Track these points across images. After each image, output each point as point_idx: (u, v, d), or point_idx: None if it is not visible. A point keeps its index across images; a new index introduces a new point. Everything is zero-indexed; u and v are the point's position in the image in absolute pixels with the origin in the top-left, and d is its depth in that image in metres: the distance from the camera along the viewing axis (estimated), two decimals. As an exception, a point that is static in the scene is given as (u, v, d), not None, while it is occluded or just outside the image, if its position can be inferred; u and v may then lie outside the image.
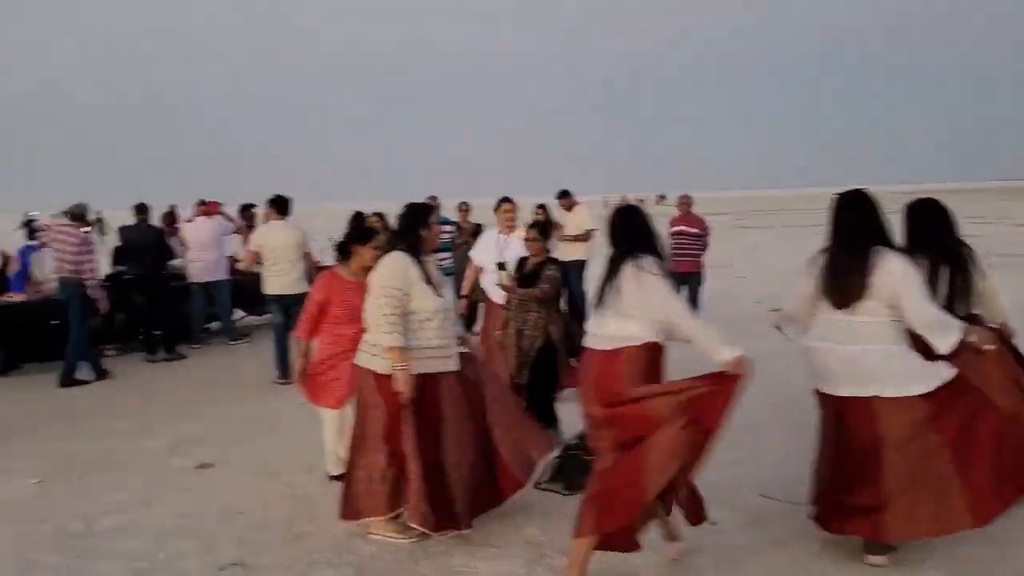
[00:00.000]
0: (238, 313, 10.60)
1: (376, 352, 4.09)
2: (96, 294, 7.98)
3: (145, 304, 9.01)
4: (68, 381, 7.92)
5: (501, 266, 5.63)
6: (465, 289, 7.50)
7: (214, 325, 10.66)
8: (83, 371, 8.05)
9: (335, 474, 4.86)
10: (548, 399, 5.52)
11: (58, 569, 4.01)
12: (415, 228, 4.30)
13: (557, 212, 10.09)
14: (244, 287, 9.92)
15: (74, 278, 7.88)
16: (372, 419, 4.13)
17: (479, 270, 7.36)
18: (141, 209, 9.21)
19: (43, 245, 8.75)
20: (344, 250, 4.95)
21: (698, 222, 9.94)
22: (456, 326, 4.49)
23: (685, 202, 10.30)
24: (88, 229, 8.26)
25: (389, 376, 4.02)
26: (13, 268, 8.73)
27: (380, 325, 4.02)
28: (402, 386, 3.97)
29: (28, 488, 5.11)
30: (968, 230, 4.54)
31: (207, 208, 9.87)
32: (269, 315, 11.39)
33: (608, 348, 3.59)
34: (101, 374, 8.07)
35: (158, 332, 9.11)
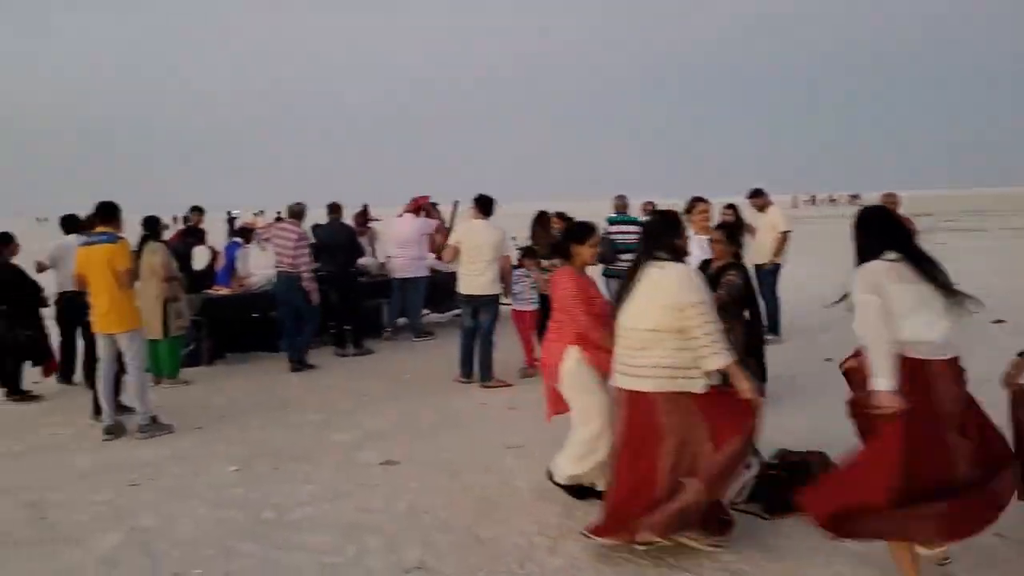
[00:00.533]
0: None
1: (694, 375, 3.79)
2: (310, 286, 8.38)
3: (337, 300, 9.32)
4: (296, 366, 8.42)
5: None
6: None
7: (400, 321, 10.95)
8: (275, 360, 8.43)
9: (565, 484, 4.61)
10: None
11: (253, 557, 4.11)
12: (672, 236, 4.03)
13: (748, 213, 9.58)
14: (433, 285, 10.12)
15: (292, 272, 8.34)
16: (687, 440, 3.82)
17: None
18: (334, 208, 9.54)
19: (247, 241, 9.26)
20: (563, 250, 4.74)
21: (905, 222, 9.10)
22: None
23: (890, 201, 9.48)
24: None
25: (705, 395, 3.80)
26: (220, 263, 9.29)
27: (713, 343, 3.73)
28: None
29: (228, 475, 5.33)
30: None
31: (415, 204, 10.20)
32: (452, 313, 11.65)
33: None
34: (297, 366, 8.42)
35: (348, 328, 9.40)
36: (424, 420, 6.49)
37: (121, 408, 6.48)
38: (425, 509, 4.64)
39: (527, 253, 7.92)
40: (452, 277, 10.81)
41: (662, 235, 3.99)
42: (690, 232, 7.12)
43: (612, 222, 9.08)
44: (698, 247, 6.95)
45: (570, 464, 4.52)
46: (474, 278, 7.53)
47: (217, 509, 4.74)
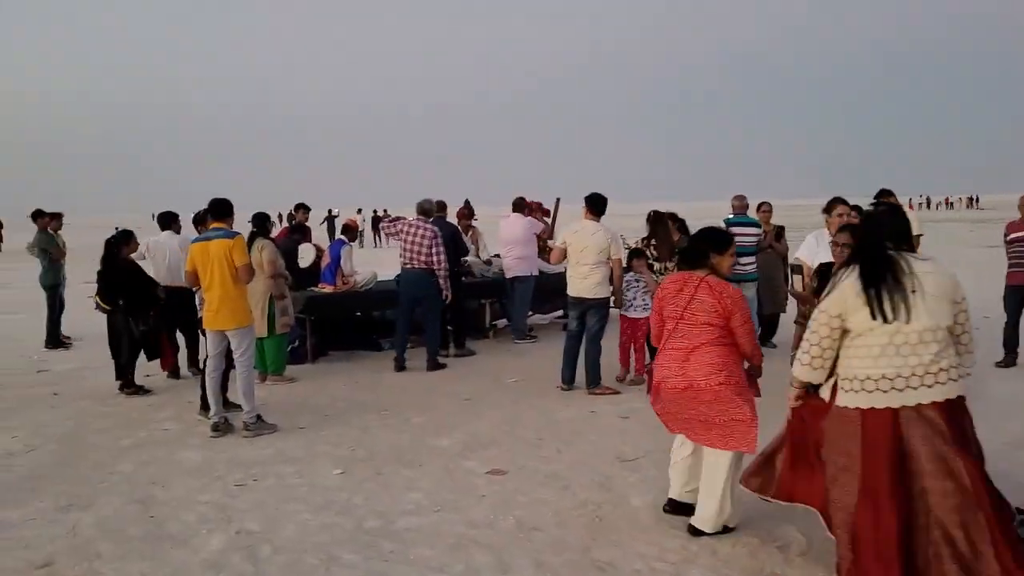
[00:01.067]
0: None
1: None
2: (445, 285, 8.32)
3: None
4: (432, 366, 8.35)
5: (795, 269, 4.80)
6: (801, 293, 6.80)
7: (499, 323, 10.76)
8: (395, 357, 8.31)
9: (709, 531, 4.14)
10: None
11: (357, 569, 3.93)
12: (904, 226, 3.54)
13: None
14: (536, 286, 9.94)
15: (428, 269, 8.27)
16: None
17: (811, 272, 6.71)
18: (440, 207, 9.42)
19: (351, 239, 9.22)
20: (696, 259, 4.26)
21: None
22: None
23: None
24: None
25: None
26: (325, 261, 9.27)
27: (971, 342, 3.43)
28: None
29: (331, 478, 5.20)
30: None
31: (523, 204, 10.08)
32: (554, 315, 11.40)
33: None
34: (434, 364, 8.36)
35: (450, 327, 9.24)
36: (529, 427, 6.24)
37: (228, 405, 6.47)
38: (535, 525, 4.37)
39: (637, 255, 7.52)
40: (557, 278, 10.60)
41: (896, 225, 3.45)
42: (825, 234, 6.63)
43: (730, 223, 8.62)
44: (826, 247, 6.53)
45: (721, 510, 4.11)
46: (581, 280, 7.23)
47: (321, 514, 4.60)
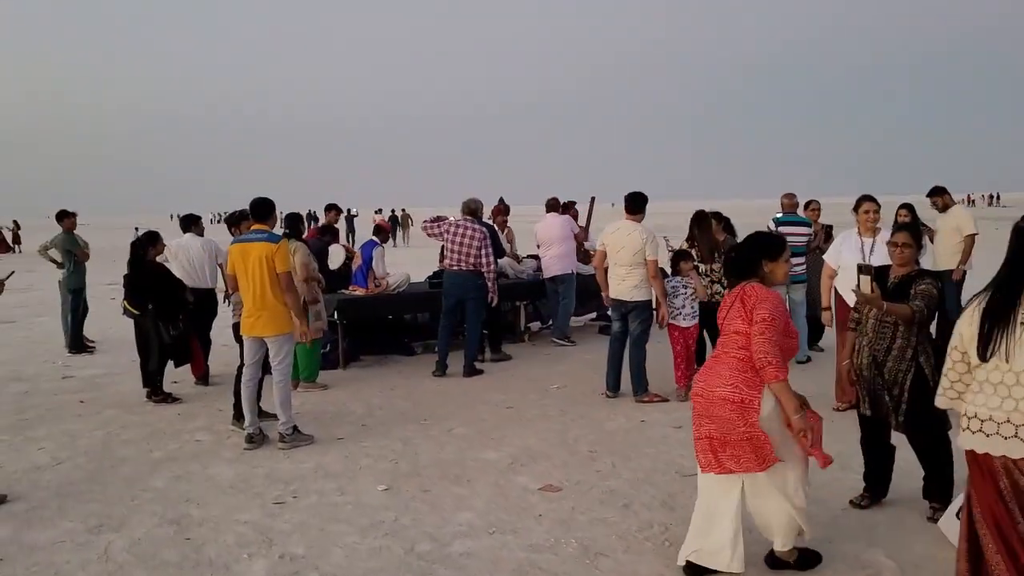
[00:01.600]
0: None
1: None
2: (493, 287, 8.06)
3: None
4: (469, 371, 8.05)
5: (864, 269, 4.40)
6: (826, 300, 6.50)
7: (533, 326, 10.45)
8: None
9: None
10: (942, 455, 4.34)
11: (414, 601, 3.63)
12: None
13: (928, 213, 8.61)
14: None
15: (476, 271, 8.00)
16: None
17: (834, 275, 6.41)
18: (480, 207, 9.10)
19: (383, 240, 8.91)
20: (745, 269, 3.84)
21: None
22: None
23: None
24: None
25: None
26: (356, 262, 8.99)
27: None
28: None
29: (376, 495, 4.89)
30: None
31: (556, 204, 9.91)
32: (588, 317, 11.07)
33: None
34: (470, 371, 8.08)
35: (485, 331, 8.93)
36: (579, 438, 5.91)
37: (262, 414, 6.19)
38: (601, 550, 4.05)
39: (682, 257, 7.11)
40: (590, 279, 10.28)
41: None
42: (854, 235, 6.35)
43: (780, 223, 8.26)
44: (855, 249, 6.22)
45: (789, 539, 3.73)
46: (619, 282, 6.90)
47: (368, 536, 4.30)
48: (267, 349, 5.90)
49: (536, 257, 10.19)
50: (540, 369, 8.34)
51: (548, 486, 4.95)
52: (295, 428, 5.91)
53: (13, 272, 5.57)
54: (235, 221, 6.70)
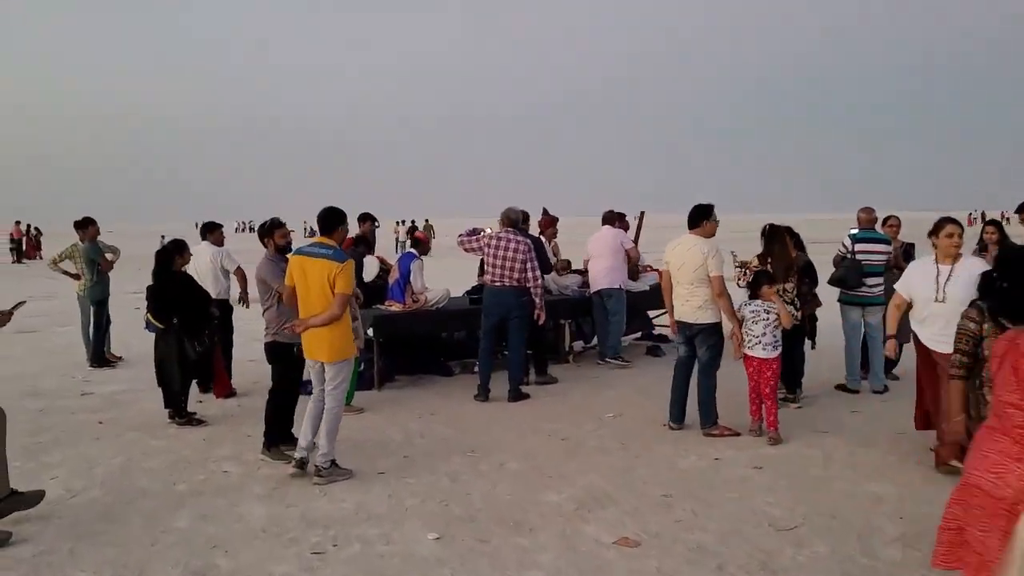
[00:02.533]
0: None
1: None
2: (540, 304, 7.50)
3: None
4: (515, 396, 7.47)
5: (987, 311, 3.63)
6: (891, 328, 5.73)
7: (576, 345, 9.85)
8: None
9: None
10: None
11: None
12: None
13: (1016, 230, 7.93)
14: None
15: (520, 287, 7.46)
16: None
17: (903, 306, 5.59)
18: (523, 217, 8.51)
19: (423, 252, 8.36)
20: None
21: None
22: None
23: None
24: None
25: None
26: (393, 276, 8.43)
27: None
28: None
29: (427, 545, 4.29)
30: None
31: (612, 217, 9.38)
32: (633, 337, 10.47)
33: None
34: (515, 397, 7.49)
35: (529, 351, 8.34)
36: (648, 479, 5.29)
37: (287, 438, 5.69)
38: (700, 625, 3.44)
39: (763, 279, 6.41)
40: (638, 297, 9.69)
41: None
42: (928, 260, 5.57)
43: (857, 239, 7.61)
44: (930, 279, 5.35)
45: None
46: (683, 302, 6.28)
47: (423, 599, 3.71)
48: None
49: (581, 272, 9.63)
50: (589, 394, 7.72)
51: (624, 540, 4.32)
52: (333, 462, 5.33)
53: (24, 302, 5.05)
54: (267, 232, 6.16)
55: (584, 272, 9.47)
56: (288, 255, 5.80)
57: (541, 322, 7.65)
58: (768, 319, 6.22)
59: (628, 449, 5.93)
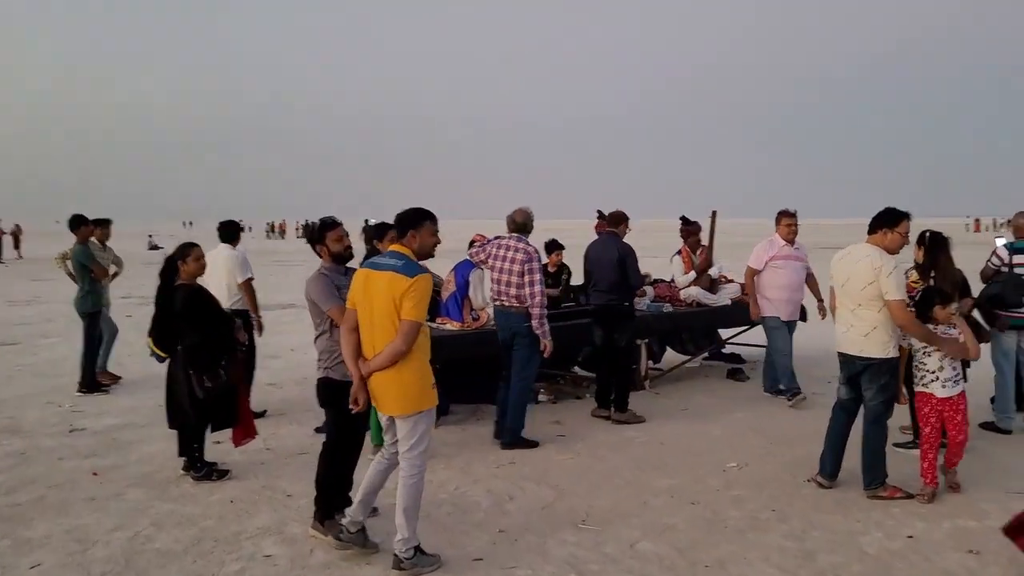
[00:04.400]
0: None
1: None
2: (540, 330, 5.99)
3: (602, 341, 6.92)
4: (509, 442, 6.03)
5: None
6: None
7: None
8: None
9: None
10: None
11: None
12: None
13: None
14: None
15: (516, 307, 6.05)
16: None
17: None
18: (615, 219, 7.06)
19: (482, 262, 6.99)
20: None
21: None
22: None
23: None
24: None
25: None
26: (448, 289, 7.05)
27: None
28: None
29: None
30: None
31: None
32: (701, 358, 9.18)
33: None
34: (508, 444, 6.08)
35: (611, 379, 6.97)
36: (828, 565, 3.95)
37: (347, 501, 4.35)
38: None
39: (938, 298, 5.07)
40: (718, 314, 8.43)
41: None
42: None
43: (1014, 250, 6.31)
44: None
45: None
46: (845, 329, 4.94)
47: None
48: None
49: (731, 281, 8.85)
50: (689, 435, 6.36)
51: None
52: (418, 548, 3.95)
53: None
54: (317, 236, 4.73)
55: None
56: (350, 266, 4.45)
57: (547, 354, 6.11)
58: (949, 345, 4.93)
59: (787, 520, 4.58)
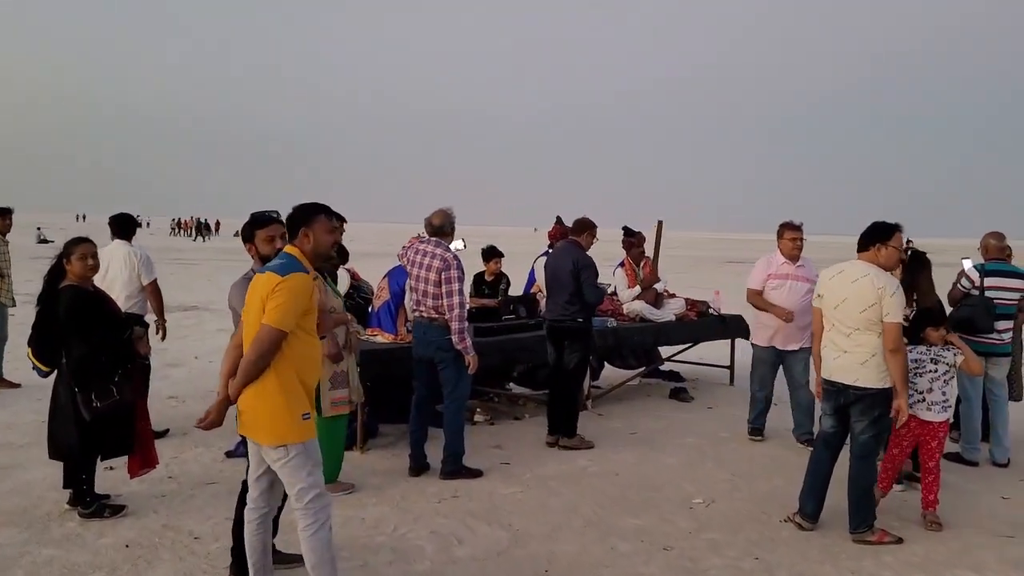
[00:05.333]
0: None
1: None
2: (461, 345, 5.30)
3: (554, 361, 6.33)
4: (451, 471, 5.37)
5: None
6: None
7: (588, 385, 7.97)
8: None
9: None
10: None
11: None
12: None
13: None
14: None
15: (432, 319, 5.37)
16: None
17: None
18: (579, 227, 6.44)
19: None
20: None
21: None
22: None
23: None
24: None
25: None
26: (382, 297, 6.34)
27: None
28: None
29: None
30: None
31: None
32: (638, 372, 8.73)
33: None
34: (448, 474, 5.42)
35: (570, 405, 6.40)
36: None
37: (280, 557, 3.63)
38: None
39: (930, 319, 4.74)
40: (665, 329, 8.01)
41: None
42: None
43: (986, 272, 6.01)
44: None
45: None
46: (837, 355, 4.46)
47: None
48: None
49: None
50: (645, 464, 5.85)
51: None
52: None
53: None
54: (247, 233, 3.98)
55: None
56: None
57: (471, 370, 5.43)
58: (936, 371, 4.69)
59: (772, 570, 4.08)
